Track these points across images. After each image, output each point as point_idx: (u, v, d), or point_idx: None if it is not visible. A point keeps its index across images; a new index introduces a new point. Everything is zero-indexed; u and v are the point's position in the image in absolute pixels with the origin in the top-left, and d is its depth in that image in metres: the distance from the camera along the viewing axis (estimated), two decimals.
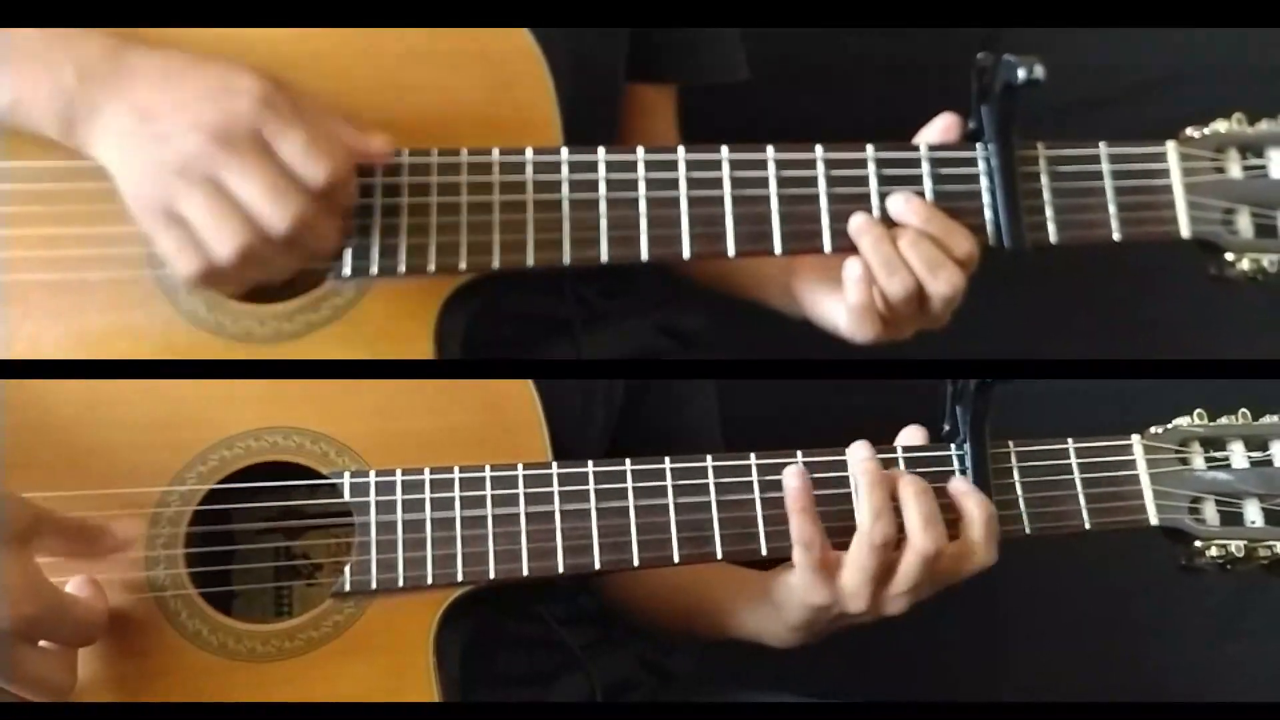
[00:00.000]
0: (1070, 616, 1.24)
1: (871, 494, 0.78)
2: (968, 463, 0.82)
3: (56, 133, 0.74)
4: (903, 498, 0.79)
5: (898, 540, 0.78)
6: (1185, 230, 0.85)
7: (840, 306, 0.85)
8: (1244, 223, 0.85)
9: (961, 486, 0.81)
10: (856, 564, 0.78)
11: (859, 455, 0.81)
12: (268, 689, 0.75)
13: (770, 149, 0.82)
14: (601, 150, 0.81)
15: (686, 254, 0.80)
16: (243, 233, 0.71)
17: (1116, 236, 0.84)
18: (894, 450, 0.82)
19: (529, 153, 0.80)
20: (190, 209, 0.71)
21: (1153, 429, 0.86)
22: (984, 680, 1.22)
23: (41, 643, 0.70)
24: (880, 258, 0.81)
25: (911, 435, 0.84)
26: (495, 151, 0.80)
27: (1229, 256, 0.85)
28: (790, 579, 0.81)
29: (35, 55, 0.73)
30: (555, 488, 0.78)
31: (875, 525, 0.77)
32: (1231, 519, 0.84)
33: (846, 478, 0.81)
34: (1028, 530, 0.82)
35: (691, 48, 1.01)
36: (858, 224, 0.81)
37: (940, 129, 0.84)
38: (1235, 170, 0.86)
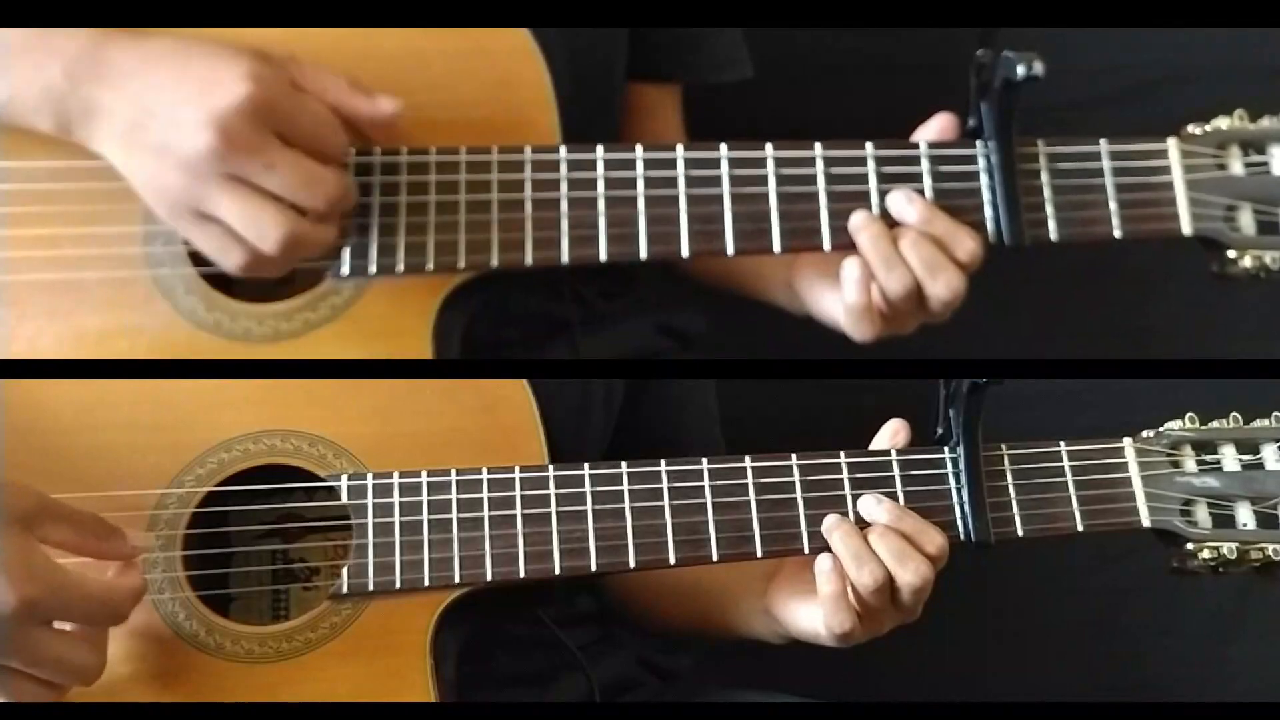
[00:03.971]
0: (1071, 617, 1.24)
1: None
2: (960, 465, 0.81)
3: (53, 130, 0.74)
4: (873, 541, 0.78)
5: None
6: (1187, 227, 0.85)
7: (840, 303, 0.84)
8: (1246, 219, 0.85)
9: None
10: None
11: (830, 522, 0.79)
12: (265, 690, 0.75)
13: (769, 147, 0.82)
14: (600, 149, 0.81)
15: (685, 252, 0.80)
16: (284, 222, 0.72)
17: (1117, 234, 0.84)
18: (887, 454, 0.82)
19: (528, 151, 0.80)
20: (222, 209, 0.72)
21: (1144, 432, 0.86)
22: (983, 681, 1.22)
23: (66, 626, 0.70)
24: (879, 255, 0.80)
25: (893, 434, 0.84)
26: (494, 150, 0.80)
27: (1231, 254, 0.85)
28: (800, 619, 0.81)
29: (21, 54, 0.73)
30: (552, 490, 0.78)
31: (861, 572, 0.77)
32: (1223, 521, 0.84)
33: (841, 480, 0.80)
34: (1020, 532, 0.82)
35: (694, 46, 1.01)
36: (857, 221, 0.81)
37: (937, 128, 0.84)
38: (1237, 167, 0.86)
